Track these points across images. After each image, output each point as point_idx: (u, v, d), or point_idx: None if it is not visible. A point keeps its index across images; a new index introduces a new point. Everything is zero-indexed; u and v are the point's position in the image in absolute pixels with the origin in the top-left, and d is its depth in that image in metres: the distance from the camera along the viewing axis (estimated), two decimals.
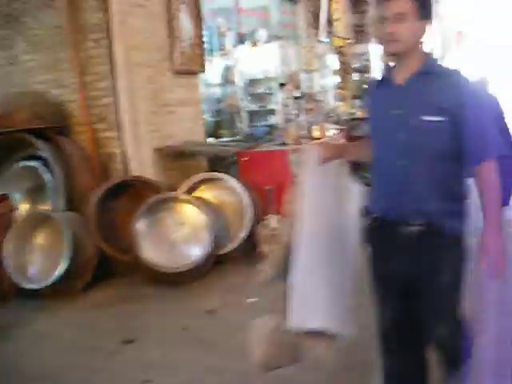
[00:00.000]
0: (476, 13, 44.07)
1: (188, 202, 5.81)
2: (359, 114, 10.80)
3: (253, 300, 5.31)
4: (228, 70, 8.98)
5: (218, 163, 7.22)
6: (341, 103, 13.98)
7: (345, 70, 14.52)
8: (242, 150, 6.63)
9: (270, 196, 6.09)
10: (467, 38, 42.16)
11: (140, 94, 6.68)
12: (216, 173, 6.45)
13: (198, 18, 7.64)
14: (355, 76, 14.71)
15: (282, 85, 8.72)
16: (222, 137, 8.44)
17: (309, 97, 10.89)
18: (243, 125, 8.76)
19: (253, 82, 10.96)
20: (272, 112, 10.98)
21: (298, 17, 11.90)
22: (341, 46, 14.45)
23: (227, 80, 8.94)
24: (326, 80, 11.36)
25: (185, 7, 7.41)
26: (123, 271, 5.92)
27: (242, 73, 10.57)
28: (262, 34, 10.67)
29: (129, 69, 6.59)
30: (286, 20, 11.79)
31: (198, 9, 7.65)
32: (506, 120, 4.01)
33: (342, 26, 14.46)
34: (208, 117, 8.68)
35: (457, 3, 41.67)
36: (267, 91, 10.72)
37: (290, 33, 11.77)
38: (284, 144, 7.10)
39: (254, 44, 10.09)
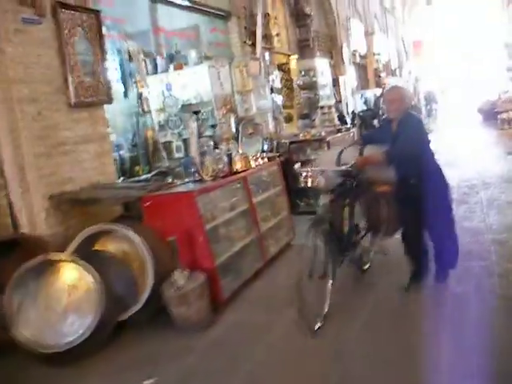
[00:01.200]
0: (433, 23, 44.36)
1: (74, 262, 4.84)
2: (304, 135, 9.96)
3: (151, 382, 4.39)
4: (142, 97, 8.00)
5: (132, 207, 6.28)
6: (286, 124, 13.20)
7: (289, 88, 13.73)
8: (147, 192, 5.67)
9: (174, 247, 5.15)
10: (424, 47, 42.27)
11: (25, 134, 5.71)
12: (111, 224, 5.48)
13: (99, 42, 6.70)
14: (303, 94, 13.91)
15: (195, 113, 7.80)
16: (138, 174, 7.45)
17: (247, 121, 10.05)
18: (165, 158, 7.78)
19: (185, 108, 10.17)
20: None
21: (231, 35, 11.03)
22: (283, 63, 13.67)
23: (143, 109, 7.97)
24: (265, 101, 10.49)
25: (81, 30, 6.46)
26: (3, 350, 4.91)
27: (172, 99, 9.78)
28: (192, 55, 9.83)
29: (9, 106, 5.63)
30: (219, 39, 10.93)
31: (98, 31, 6.70)
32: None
33: (283, 42, 13.69)
34: (126, 151, 7.71)
35: (415, 13, 41.79)
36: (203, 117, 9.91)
37: (223, 52, 10.90)
38: (201, 181, 6.18)
39: (180, 67, 9.21)
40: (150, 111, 8.27)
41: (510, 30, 34.81)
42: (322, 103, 11.15)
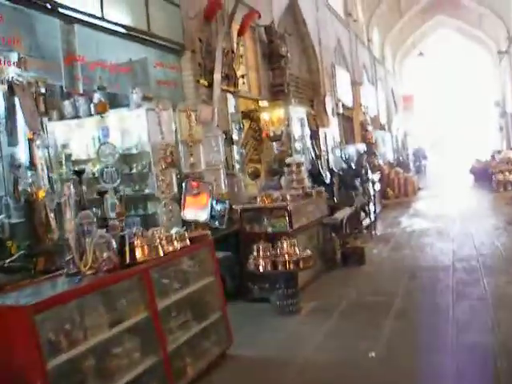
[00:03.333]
0: (425, 78, 43.27)
1: None
2: (262, 199, 7.89)
3: None
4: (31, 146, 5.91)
5: None
6: (252, 182, 11.17)
7: (257, 140, 11.74)
8: None
9: None
10: (414, 102, 40.95)
11: None
12: None
13: None
14: (277, 147, 11.90)
15: (77, 173, 5.75)
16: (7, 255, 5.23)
17: (192, 179, 8.02)
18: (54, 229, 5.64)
19: (126, 159, 8.25)
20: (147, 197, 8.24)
21: (183, 72, 9.08)
22: (251, 111, 11.72)
23: (33, 163, 5.86)
24: (219, 154, 8.47)
25: None
26: None
27: (109, 146, 7.96)
28: (135, 95, 7.90)
29: None
30: (168, 76, 8.97)
31: None
32: None
33: (252, 85, 11.77)
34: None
35: (406, 65, 40.61)
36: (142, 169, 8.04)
37: (173, 93, 8.93)
38: (76, 275, 4.07)
39: (103, 108, 7.23)
40: (46, 165, 6.17)
41: (500, 88, 33.71)
42: (288, 160, 9.11)
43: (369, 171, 13.52)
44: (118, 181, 8.22)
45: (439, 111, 44.95)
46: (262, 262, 6.58)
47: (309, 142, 13.54)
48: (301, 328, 6.30)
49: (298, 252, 6.67)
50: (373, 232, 12.14)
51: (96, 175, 7.91)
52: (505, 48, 28.65)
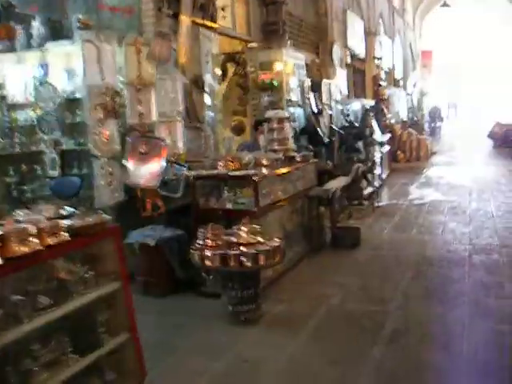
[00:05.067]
0: (446, 34, 40.54)
1: None
2: (224, 165, 6.06)
3: None
4: None
5: None
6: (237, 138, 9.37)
7: (244, 88, 9.83)
8: None
9: None
10: (434, 59, 38.39)
11: None
12: None
13: None
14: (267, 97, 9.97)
15: None
16: None
17: (140, 133, 6.26)
18: None
19: (70, 105, 6.50)
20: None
21: None
22: (237, 52, 9.77)
23: None
24: (177, 103, 6.61)
25: None
26: None
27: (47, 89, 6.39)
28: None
29: None
30: (123, 1, 7.07)
31: None
32: None
33: (240, 23, 9.79)
34: None
35: (428, 19, 37.92)
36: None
37: (129, 24, 7.06)
38: None
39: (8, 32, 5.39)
40: None
41: None
42: (268, 114, 7.21)
43: (376, 131, 11.57)
44: (58, 132, 6.60)
45: (460, 70, 42.28)
46: (209, 253, 4.78)
47: (309, 95, 11.61)
48: (253, 351, 4.52)
49: (260, 242, 4.85)
50: (375, 203, 10.25)
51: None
52: None
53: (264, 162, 6.24)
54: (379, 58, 20.65)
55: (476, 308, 5.19)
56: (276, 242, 4.94)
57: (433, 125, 31.07)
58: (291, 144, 7.08)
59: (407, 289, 5.86)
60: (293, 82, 10.50)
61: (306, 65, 12.59)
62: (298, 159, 6.86)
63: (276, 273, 6.01)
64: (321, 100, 12.33)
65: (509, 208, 9.92)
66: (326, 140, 10.14)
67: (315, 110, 11.19)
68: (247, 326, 4.93)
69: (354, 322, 4.96)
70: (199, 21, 7.83)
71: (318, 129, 9.94)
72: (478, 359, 4.15)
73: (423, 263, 6.72)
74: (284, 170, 6.42)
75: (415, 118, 26.26)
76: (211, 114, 7.95)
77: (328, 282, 6.12)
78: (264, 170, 5.96)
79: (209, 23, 8.14)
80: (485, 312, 5.08)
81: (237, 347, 4.55)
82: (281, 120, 6.98)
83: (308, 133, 9.91)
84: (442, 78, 40.26)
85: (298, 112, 10.45)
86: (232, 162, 6.11)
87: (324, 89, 12.69)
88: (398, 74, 26.50)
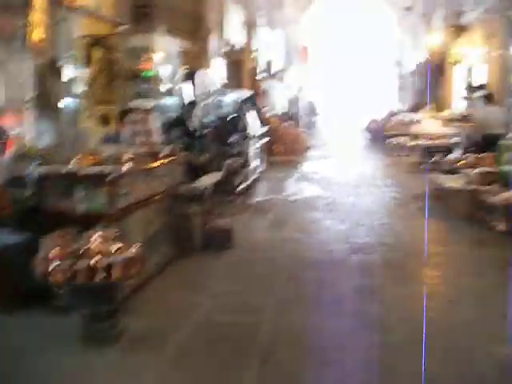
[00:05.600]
0: (325, 30, 41.23)
1: None
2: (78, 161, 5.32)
3: None
4: None
5: None
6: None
7: (110, 76, 9.05)
8: None
9: None
10: (312, 54, 38.92)
11: None
12: None
13: None
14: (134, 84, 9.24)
15: None
16: None
17: None
18: None
19: None
20: None
21: None
22: (105, 36, 8.97)
23: None
24: (24, 88, 5.76)
25: None
26: None
27: None
28: None
29: None
30: None
31: None
32: None
33: (107, 2, 9.00)
34: None
35: (305, 17, 38.26)
36: None
37: None
38: None
39: None
40: None
41: (401, 48, 32.49)
42: (132, 104, 6.54)
43: (252, 124, 11.16)
44: None
45: (337, 66, 43.23)
46: (54, 265, 4.06)
47: (183, 84, 11.01)
48: (104, 381, 3.88)
49: (115, 250, 4.20)
50: (250, 199, 9.84)
51: None
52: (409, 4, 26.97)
53: (125, 156, 5.57)
54: (257, 50, 20.39)
55: (357, 317, 4.84)
56: (135, 249, 4.30)
57: (309, 119, 31.44)
58: (157, 137, 6.43)
59: (282, 295, 5.44)
60: (166, 71, 9.85)
61: (181, 53, 12.00)
62: (164, 154, 6.24)
63: (140, 280, 5.37)
64: (196, 90, 11.77)
65: (384, 203, 9.90)
66: (199, 133, 9.56)
67: (190, 101, 10.62)
68: (102, 347, 4.26)
69: (224, 338, 4.44)
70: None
71: (191, 121, 9.33)
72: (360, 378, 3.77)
73: (299, 265, 6.35)
74: (147, 166, 5.78)
75: (292, 112, 26.35)
76: (71, 102, 7.14)
77: (197, 289, 5.58)
78: (124, 166, 5.29)
79: (69, 0, 7.31)
80: (367, 321, 4.75)
81: (85, 375, 3.88)
82: (146, 111, 6.33)
83: (180, 125, 9.29)
84: (319, 73, 40.93)
85: (171, 102, 9.82)
86: (90, 156, 5.39)
87: (199, 79, 12.13)
88: (277, 67, 26.44)
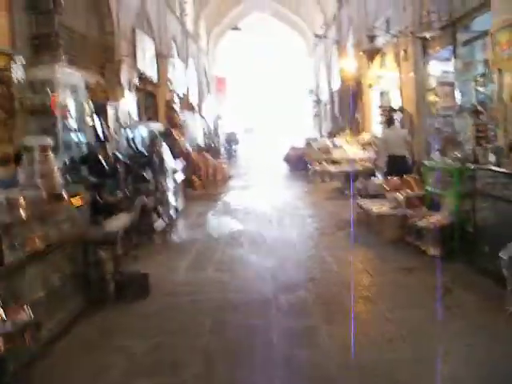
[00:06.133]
0: (240, 60, 41.39)
1: None
2: None
3: None
4: None
5: None
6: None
7: (7, 110, 8.26)
8: None
9: None
10: (228, 85, 38.87)
11: None
12: None
13: None
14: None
15: None
16: None
17: None
18: None
19: None
20: None
21: None
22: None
23: None
24: None
25: None
26: None
27: None
28: None
29: None
30: None
31: None
32: None
33: (1, 32, 8.26)
34: None
35: (220, 48, 38.24)
36: None
37: None
38: None
39: None
40: None
41: (314, 76, 33.05)
42: (27, 141, 5.83)
43: (167, 158, 10.57)
44: None
45: (254, 96, 43.39)
46: None
47: (91, 119, 10.30)
48: None
49: None
50: (168, 238, 9.22)
51: None
52: (322, 32, 27.35)
53: (20, 202, 4.87)
54: (171, 82, 19.91)
55: (290, 367, 4.32)
56: (23, 315, 3.62)
57: (229, 148, 31.19)
58: (58, 178, 5.73)
59: (207, 346, 4.86)
60: (70, 104, 9.13)
61: (89, 86, 11.32)
62: (67, 195, 5.56)
63: (41, 343, 4.66)
64: (107, 125, 11.10)
65: (309, 234, 9.51)
66: (111, 170, 8.88)
67: (101, 136, 9.93)
68: None
69: None
70: None
71: (101, 157, 8.65)
72: None
73: (223, 309, 5.80)
74: (45, 211, 5.09)
75: (211, 143, 25.95)
76: None
77: (109, 348, 4.91)
78: (19, 213, 4.59)
79: None
80: (302, 371, 4.24)
81: None
82: (44, 149, 5.63)
83: (89, 162, 8.59)
84: (237, 103, 40.96)
85: (77, 139, 9.10)
86: None
87: (110, 113, 11.46)
88: (193, 99, 26.04)
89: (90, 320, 5.56)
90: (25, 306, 3.71)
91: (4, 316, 3.55)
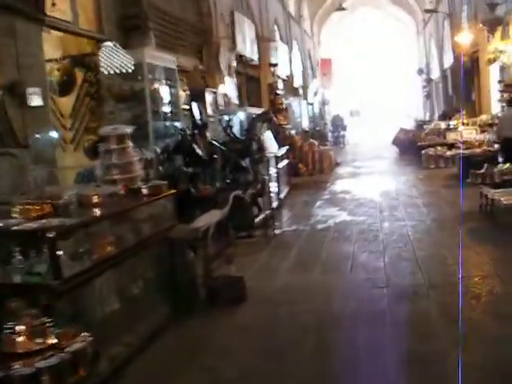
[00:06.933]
0: (345, 41, 39.99)
1: None
2: None
3: None
4: None
5: None
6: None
7: (96, 98, 7.82)
8: None
9: None
10: (334, 67, 37.57)
11: None
12: None
13: None
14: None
15: None
16: None
17: None
18: None
19: None
20: None
21: None
22: (86, 55, 7.76)
23: None
24: None
25: None
26: None
27: None
28: None
29: None
30: None
31: None
32: None
33: (87, 14, 7.78)
34: None
35: (324, 30, 37.06)
36: None
37: None
38: None
39: None
40: None
41: (423, 56, 31.33)
42: (103, 131, 5.20)
43: (269, 144, 9.78)
44: None
45: (360, 78, 41.77)
46: None
47: (188, 105, 9.74)
48: None
49: (49, 347, 2.83)
50: (270, 232, 8.41)
51: None
52: (432, 7, 25.52)
53: (94, 199, 4.23)
54: (275, 65, 19.11)
55: None
56: (79, 342, 2.92)
57: (336, 134, 30.05)
58: (139, 171, 5.06)
59: (306, 373, 4.00)
60: (163, 90, 8.54)
61: (187, 71, 10.78)
62: (146, 192, 4.86)
63: (118, 360, 4.00)
64: (206, 111, 10.49)
65: (426, 227, 8.40)
66: (207, 159, 8.22)
67: (196, 123, 9.31)
68: None
69: None
70: (15, 8, 5.74)
71: (196, 146, 7.99)
72: None
73: (328, 323, 4.91)
74: (120, 210, 4.41)
75: (317, 128, 24.99)
76: (47, 135, 5.87)
77: (193, 368, 4.17)
78: (90, 213, 3.93)
79: (33, 13, 6.06)
80: None
81: None
82: (121, 138, 4.96)
83: (183, 151, 7.97)
84: (344, 86, 39.62)
85: (171, 126, 8.50)
86: (42, 203, 4.06)
87: (208, 98, 10.85)
88: (297, 83, 25.13)
89: (174, 333, 4.84)
90: (83, 332, 3.00)
91: (59, 342, 2.86)
